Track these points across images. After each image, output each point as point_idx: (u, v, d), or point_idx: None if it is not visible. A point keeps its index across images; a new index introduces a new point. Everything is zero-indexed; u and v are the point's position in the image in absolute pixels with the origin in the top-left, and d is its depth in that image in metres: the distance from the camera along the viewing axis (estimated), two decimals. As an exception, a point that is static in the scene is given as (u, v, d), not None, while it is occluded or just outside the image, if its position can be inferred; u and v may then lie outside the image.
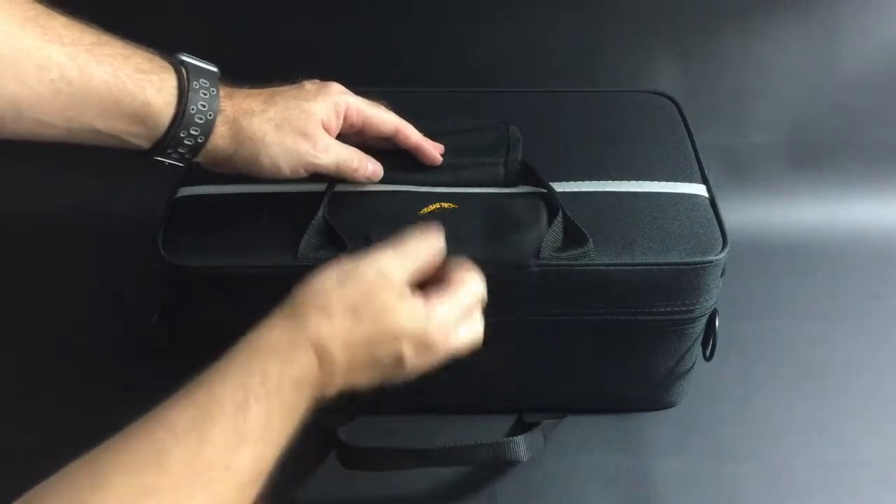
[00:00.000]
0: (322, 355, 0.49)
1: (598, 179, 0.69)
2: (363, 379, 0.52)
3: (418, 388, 0.71)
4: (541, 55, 0.91)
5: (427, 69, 0.90)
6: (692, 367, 0.72)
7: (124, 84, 0.53)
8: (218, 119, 0.57)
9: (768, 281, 0.89)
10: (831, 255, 0.92)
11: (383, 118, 0.65)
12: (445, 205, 0.66)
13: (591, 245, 0.62)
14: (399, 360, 0.52)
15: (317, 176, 0.63)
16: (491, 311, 0.64)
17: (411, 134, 0.67)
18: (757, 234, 0.92)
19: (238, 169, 0.60)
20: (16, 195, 0.95)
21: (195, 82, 0.56)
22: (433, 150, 0.68)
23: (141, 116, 0.54)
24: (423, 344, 0.52)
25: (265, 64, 0.90)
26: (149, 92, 0.54)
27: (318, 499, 0.69)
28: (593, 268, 0.62)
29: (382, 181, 0.68)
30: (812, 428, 0.74)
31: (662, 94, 0.80)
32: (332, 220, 0.63)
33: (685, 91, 0.85)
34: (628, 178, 0.69)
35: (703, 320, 0.68)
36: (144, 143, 0.56)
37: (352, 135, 0.65)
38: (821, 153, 0.97)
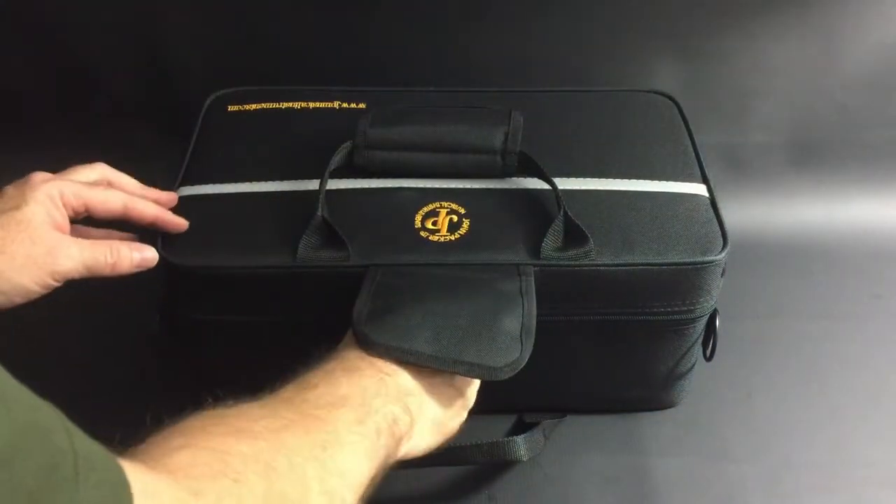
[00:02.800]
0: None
1: (598, 178, 0.69)
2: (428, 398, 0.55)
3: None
4: (541, 55, 0.91)
5: (427, 69, 0.90)
6: (692, 367, 0.72)
7: None
8: None
9: (768, 281, 0.89)
10: (831, 255, 0.92)
11: (107, 197, 0.59)
12: (451, 205, 0.66)
13: (591, 245, 0.62)
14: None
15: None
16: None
17: (145, 209, 0.61)
18: (757, 234, 0.92)
19: None
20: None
21: None
22: (175, 220, 0.63)
23: None
24: None
25: (265, 64, 0.91)
26: None
27: (317, 499, 0.69)
28: (593, 268, 0.62)
29: (380, 175, 0.68)
30: (812, 428, 0.74)
31: (662, 94, 0.80)
32: (331, 219, 0.63)
33: (685, 91, 0.85)
34: (628, 178, 0.69)
35: (704, 320, 0.68)
36: None
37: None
38: (821, 152, 0.97)
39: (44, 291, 0.55)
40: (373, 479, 0.49)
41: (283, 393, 0.49)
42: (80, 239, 0.57)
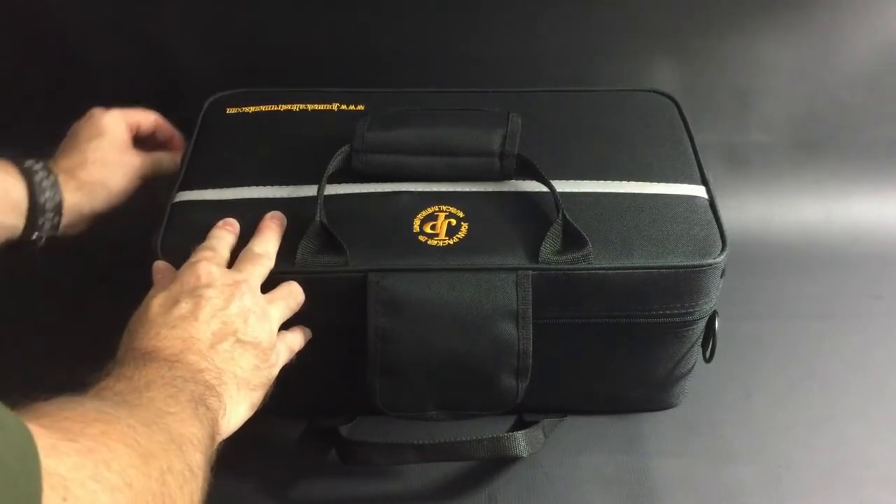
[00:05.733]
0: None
1: (597, 180, 0.69)
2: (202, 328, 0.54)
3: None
4: (541, 55, 0.91)
5: (426, 69, 0.90)
6: (692, 368, 0.73)
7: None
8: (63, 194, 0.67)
9: (768, 281, 0.89)
10: (831, 255, 0.92)
11: (147, 116, 0.76)
12: (450, 209, 0.66)
13: (589, 248, 0.62)
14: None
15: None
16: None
17: (168, 126, 0.78)
18: (757, 234, 0.92)
19: (99, 206, 0.70)
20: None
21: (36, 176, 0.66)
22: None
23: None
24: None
25: (264, 65, 0.91)
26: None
27: (318, 497, 0.69)
28: (592, 271, 0.62)
29: (379, 179, 0.68)
30: (812, 428, 0.74)
31: (662, 94, 0.80)
32: (330, 224, 0.63)
33: (685, 90, 0.85)
34: (627, 180, 0.69)
35: (703, 322, 0.68)
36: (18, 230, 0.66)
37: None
38: (821, 151, 0.97)
39: (132, 191, 0.71)
40: (208, 452, 0.48)
41: (83, 396, 0.47)
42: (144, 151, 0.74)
